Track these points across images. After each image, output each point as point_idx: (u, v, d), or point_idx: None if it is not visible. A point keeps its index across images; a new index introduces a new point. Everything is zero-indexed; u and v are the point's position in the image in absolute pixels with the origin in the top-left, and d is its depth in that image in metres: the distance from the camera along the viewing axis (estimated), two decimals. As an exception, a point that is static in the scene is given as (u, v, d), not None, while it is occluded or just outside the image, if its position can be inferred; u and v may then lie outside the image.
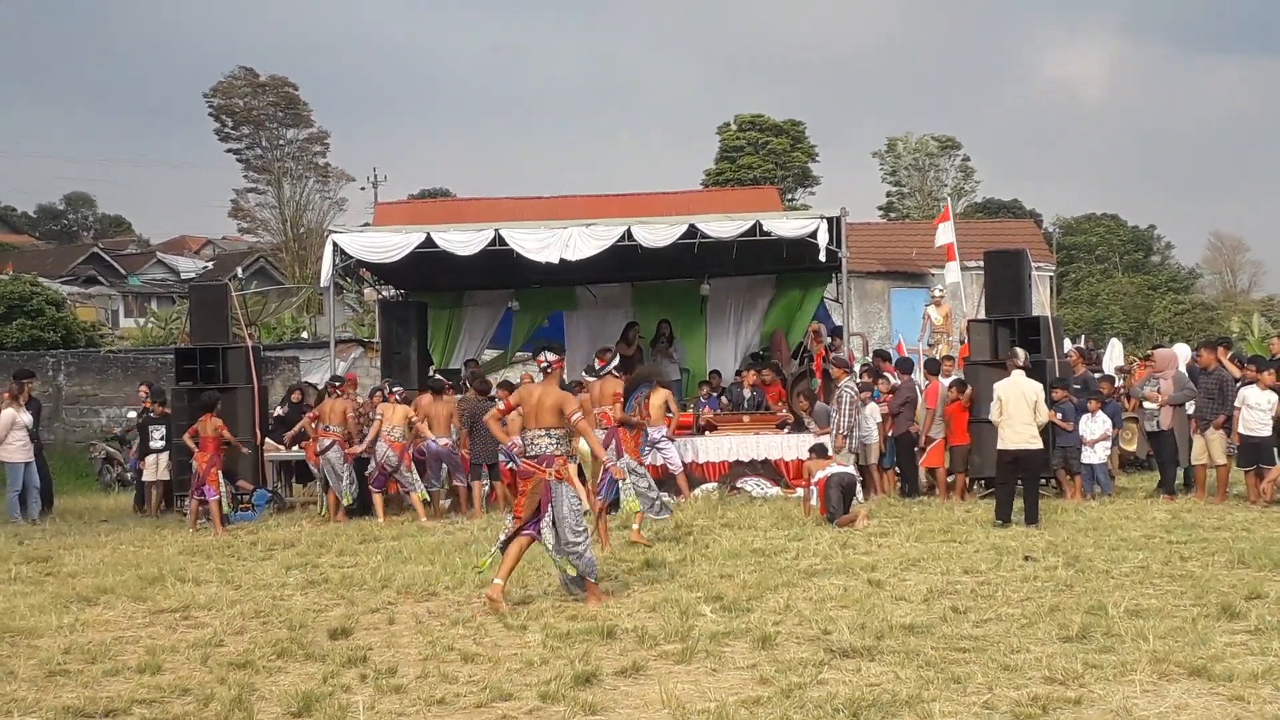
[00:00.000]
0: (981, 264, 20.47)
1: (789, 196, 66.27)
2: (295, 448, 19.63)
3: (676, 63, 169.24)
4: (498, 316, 25.07)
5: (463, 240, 20.11)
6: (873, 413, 18.74)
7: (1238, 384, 17.01)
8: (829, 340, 21.70)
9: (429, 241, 20.00)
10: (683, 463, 18.28)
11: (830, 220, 19.69)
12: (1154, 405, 18.01)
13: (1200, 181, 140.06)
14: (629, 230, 19.83)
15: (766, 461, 19.27)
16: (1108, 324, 59.56)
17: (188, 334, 21.62)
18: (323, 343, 32.20)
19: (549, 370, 11.33)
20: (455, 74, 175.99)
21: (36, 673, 8.75)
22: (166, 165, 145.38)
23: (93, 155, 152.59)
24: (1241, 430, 16.67)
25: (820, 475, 15.77)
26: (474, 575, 11.86)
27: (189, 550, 14.98)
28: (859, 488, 16.81)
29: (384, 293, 25.25)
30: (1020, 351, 16.03)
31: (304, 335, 44.53)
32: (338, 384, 18.66)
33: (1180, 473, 18.15)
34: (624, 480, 14.08)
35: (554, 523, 10.78)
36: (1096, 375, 20.16)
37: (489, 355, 26.16)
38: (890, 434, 18.82)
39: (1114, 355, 27.13)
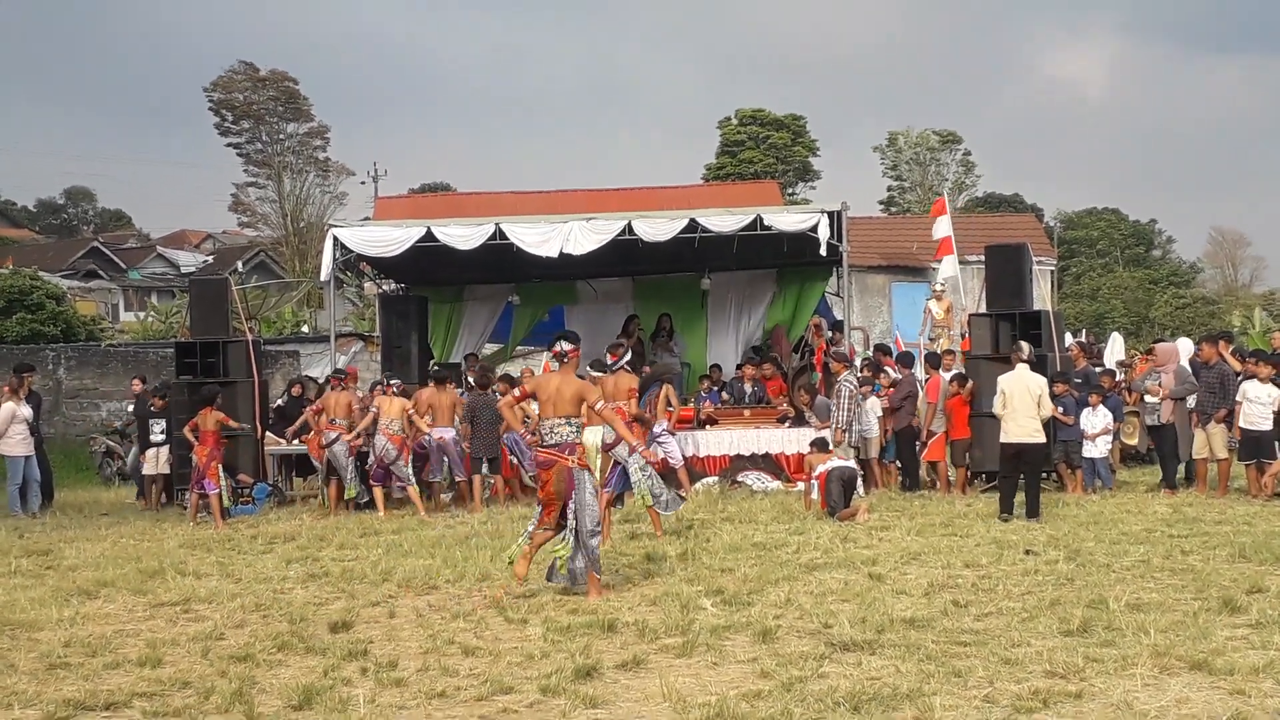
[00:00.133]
0: (983, 258, 20.47)
1: (790, 191, 66.25)
2: (296, 441, 19.63)
3: (677, 61, 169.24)
4: (498, 311, 25.05)
5: (463, 234, 20.10)
6: (873, 407, 18.73)
7: (1239, 378, 17.01)
8: (830, 334, 21.69)
9: (429, 236, 19.99)
10: (683, 457, 18.28)
11: (831, 214, 19.68)
12: (1155, 399, 18.00)
13: (1201, 179, 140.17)
14: (629, 224, 19.81)
15: (767, 455, 19.27)
16: (1109, 318, 59.56)
17: (188, 328, 21.64)
18: (323, 337, 32.16)
19: (565, 359, 11.32)
20: (456, 70, 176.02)
21: (37, 666, 8.75)
22: (166, 160, 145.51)
23: (93, 149, 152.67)
24: (1242, 424, 16.67)
25: (821, 469, 15.77)
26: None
27: (189, 544, 14.97)
28: (860, 482, 16.80)
29: (384, 287, 25.22)
30: (1025, 345, 16.02)
31: (304, 329, 44.51)
32: (340, 376, 18.65)
33: (1181, 467, 18.14)
34: (643, 471, 14.17)
35: (575, 510, 10.83)
36: (1098, 369, 20.15)
37: (489, 349, 26.17)
38: (891, 428, 18.81)
39: (1115, 349, 27.12)
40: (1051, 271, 44.65)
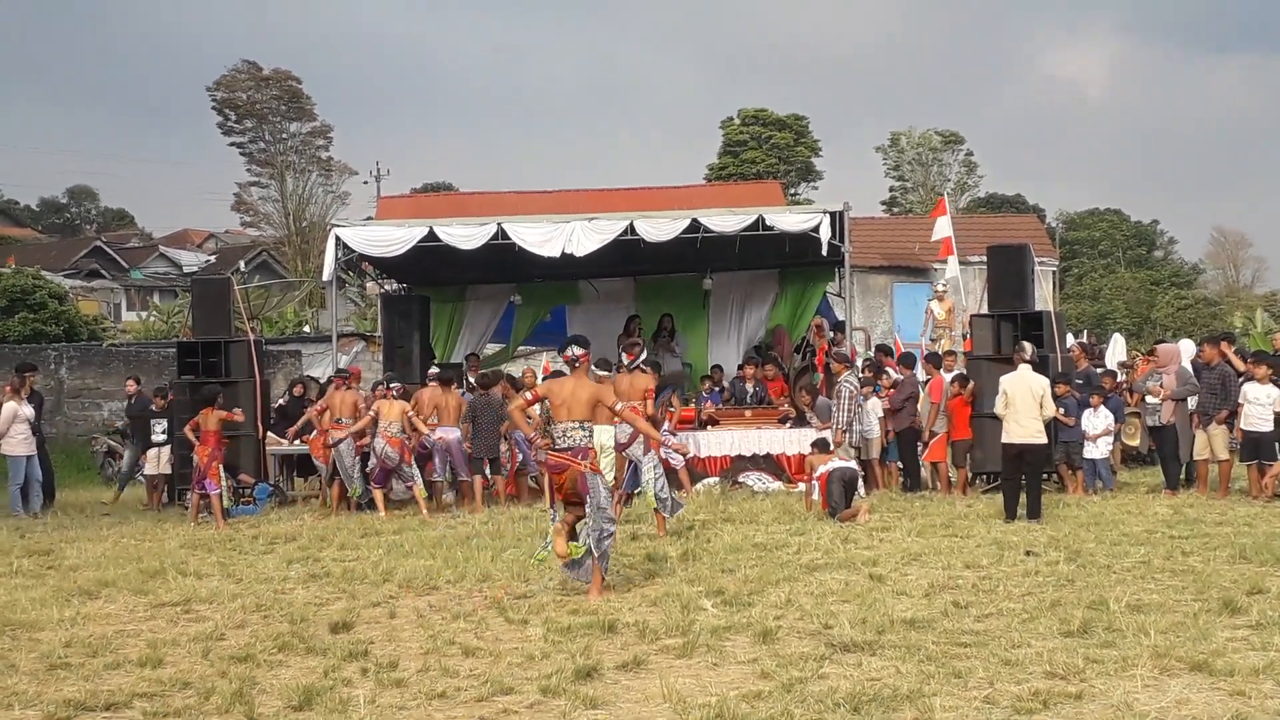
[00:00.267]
0: (985, 259, 20.46)
1: (792, 191, 66.19)
2: (297, 441, 19.64)
3: (679, 61, 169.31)
4: (500, 310, 25.05)
5: (465, 234, 20.10)
6: (874, 407, 18.73)
7: (1240, 379, 17.01)
8: (831, 335, 21.70)
9: (431, 235, 19.99)
10: (684, 457, 18.27)
11: (833, 215, 19.67)
12: (1156, 400, 17.99)
13: (1202, 180, 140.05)
14: (632, 224, 19.81)
15: (768, 456, 19.28)
16: (1110, 319, 59.55)
17: (190, 327, 21.65)
18: (325, 336, 32.17)
19: (576, 364, 11.37)
20: (458, 70, 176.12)
21: (37, 666, 8.75)
22: (169, 159, 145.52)
23: (95, 149, 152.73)
24: (1243, 425, 16.69)
25: (822, 470, 15.77)
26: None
27: (190, 544, 14.97)
28: (860, 482, 16.80)
29: (386, 286, 25.22)
30: (1027, 345, 16.03)
31: (306, 329, 44.49)
32: (345, 376, 18.64)
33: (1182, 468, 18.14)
34: (654, 471, 14.28)
35: (590, 514, 10.87)
36: (1099, 370, 20.15)
37: (491, 349, 26.16)
38: (892, 429, 18.79)
39: (1116, 350, 27.10)
40: (1053, 272, 44.55)
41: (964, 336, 22.04)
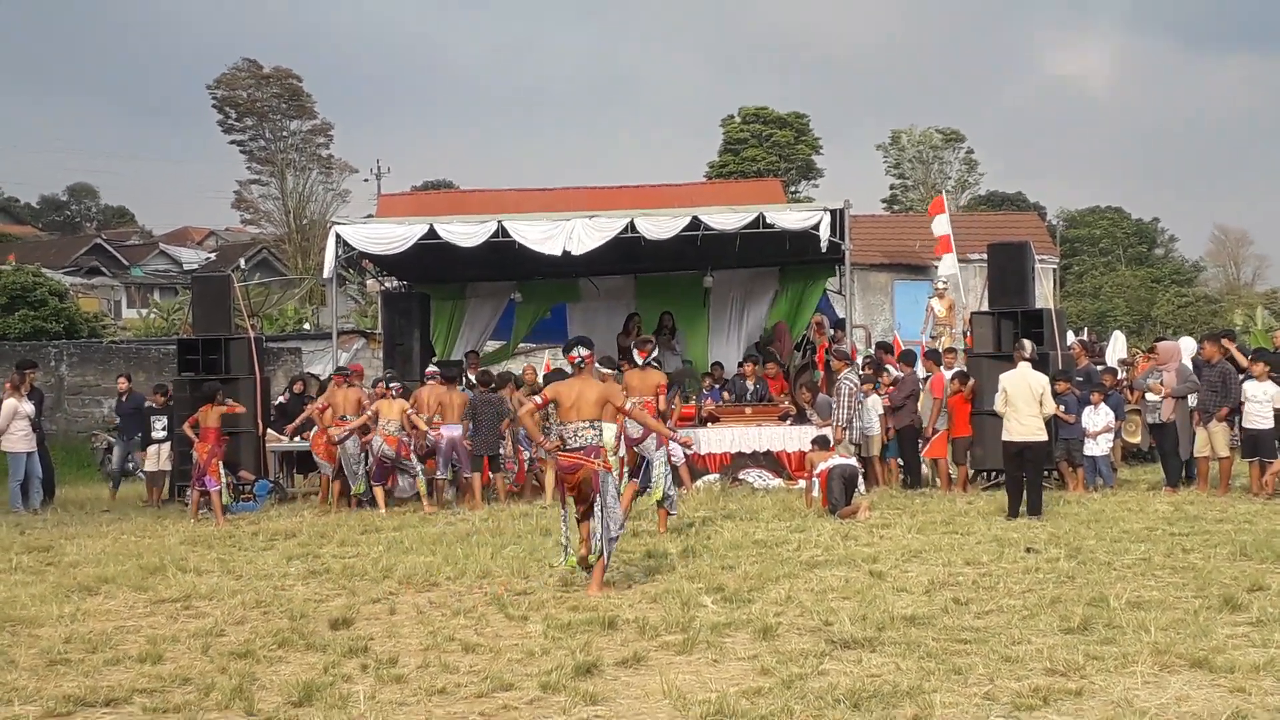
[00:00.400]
0: (985, 256, 20.46)
1: (792, 189, 66.20)
2: (297, 438, 19.64)
3: (679, 59, 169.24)
4: (500, 308, 25.07)
5: (466, 232, 20.12)
6: (874, 405, 18.73)
7: (1242, 377, 17.01)
8: (832, 332, 21.70)
9: (432, 233, 20.01)
10: (685, 454, 18.26)
11: (833, 212, 19.69)
12: (1156, 397, 17.98)
13: (1203, 178, 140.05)
14: (632, 222, 19.84)
15: (769, 453, 19.29)
16: (1111, 316, 59.58)
17: (190, 325, 21.63)
18: (325, 334, 32.18)
19: (582, 365, 11.42)
20: (459, 67, 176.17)
21: (37, 662, 8.74)
22: (169, 157, 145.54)
23: (96, 146, 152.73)
24: (1244, 423, 16.71)
25: (822, 467, 15.77)
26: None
27: (190, 540, 14.98)
28: (861, 479, 16.80)
29: (386, 284, 25.24)
30: (1027, 343, 16.03)
31: (306, 326, 44.53)
32: (345, 374, 18.62)
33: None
34: (664, 468, 14.41)
35: (600, 513, 10.89)
36: (1099, 368, 20.15)
37: (491, 346, 26.17)
38: (893, 426, 18.78)
39: (1117, 348, 27.12)
40: (1054, 270, 44.55)
41: (964, 334, 22.04)
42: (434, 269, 23.64)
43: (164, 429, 20.10)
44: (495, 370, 22.60)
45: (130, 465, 21.78)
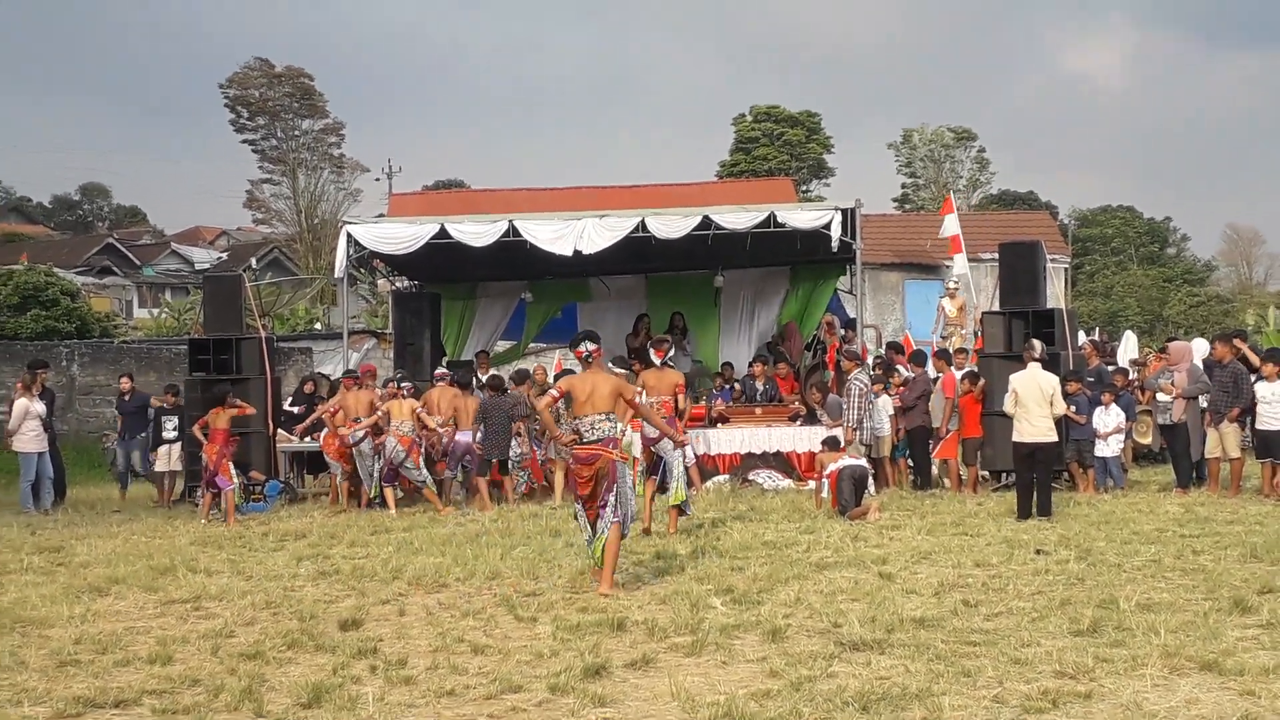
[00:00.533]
0: (996, 255, 20.43)
1: (804, 188, 66.19)
2: (308, 439, 19.67)
3: (690, 57, 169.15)
4: (511, 308, 25.09)
5: (477, 231, 20.13)
6: (885, 405, 18.71)
7: (1255, 378, 16.97)
8: (843, 332, 21.67)
9: (443, 233, 20.03)
10: (695, 455, 18.26)
11: (845, 212, 19.68)
12: (1168, 398, 17.94)
13: (1216, 177, 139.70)
14: (643, 222, 19.83)
15: (779, 454, 19.28)
16: (1122, 316, 59.46)
17: (201, 325, 21.69)
18: (336, 334, 32.17)
19: (590, 360, 11.53)
20: (470, 66, 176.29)
21: (47, 663, 8.76)
22: (181, 156, 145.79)
23: (107, 146, 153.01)
24: (1257, 424, 16.68)
25: (832, 468, 15.75)
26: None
27: (200, 541, 15.00)
28: (871, 480, 16.78)
29: (397, 284, 25.26)
30: (1037, 343, 15.99)
31: (317, 326, 44.59)
32: (354, 377, 18.63)
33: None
34: (681, 468, 14.49)
35: (617, 502, 11.00)
36: (1110, 368, 20.12)
37: (502, 346, 26.18)
38: (903, 427, 18.75)
39: (1128, 348, 27.04)
40: (1065, 269, 44.49)
41: (975, 334, 22.00)
42: (445, 269, 23.67)
43: (175, 429, 20.14)
44: (511, 368, 22.68)
45: (136, 465, 21.74)
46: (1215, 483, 17.14)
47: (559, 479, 17.89)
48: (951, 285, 26.02)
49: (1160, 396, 18.24)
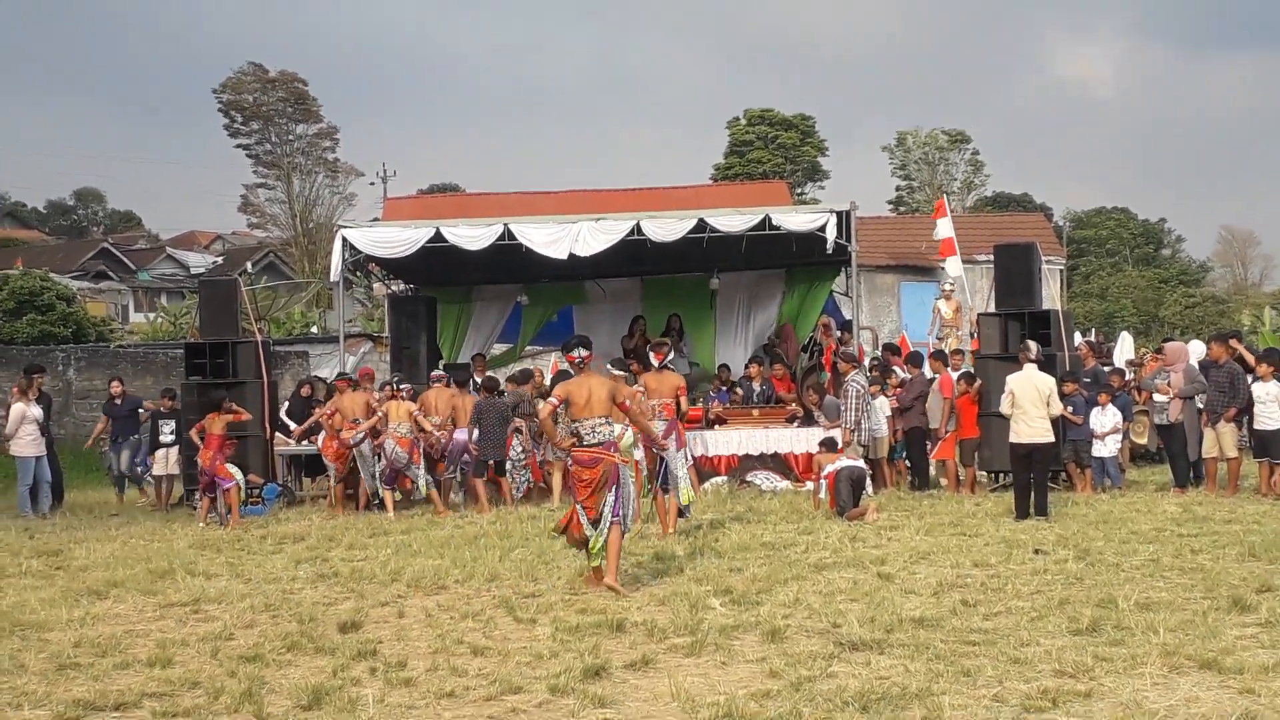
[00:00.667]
0: (992, 257, 20.45)
1: (798, 191, 66.23)
2: (305, 442, 19.66)
3: (684, 60, 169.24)
4: (506, 311, 25.08)
5: (472, 235, 20.13)
6: (882, 406, 18.72)
7: (1251, 378, 17.00)
8: (839, 334, 21.67)
9: (438, 236, 20.03)
10: (692, 456, 18.25)
11: (839, 214, 19.67)
12: (1164, 398, 17.96)
13: (1210, 177, 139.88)
14: (638, 225, 19.83)
15: (776, 455, 19.27)
16: (1118, 317, 59.50)
17: (197, 329, 21.68)
18: (332, 337, 32.23)
19: (582, 365, 11.59)
20: (464, 69, 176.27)
21: (47, 666, 8.76)
22: (176, 161, 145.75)
23: (102, 151, 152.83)
24: (1254, 424, 16.72)
25: (830, 469, 15.76)
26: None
27: (199, 544, 14.99)
28: (869, 481, 16.79)
29: (393, 287, 25.25)
30: (1032, 344, 16.01)
31: (313, 330, 44.55)
32: (348, 379, 18.62)
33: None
34: (683, 470, 14.60)
35: (620, 503, 11.09)
36: (1107, 369, 20.15)
37: (498, 349, 26.18)
38: (900, 428, 18.77)
39: (1124, 349, 27.08)
40: (1061, 271, 44.47)
41: (971, 336, 22.01)
42: (440, 272, 23.66)
43: (172, 433, 20.14)
44: (509, 370, 22.67)
45: (123, 466, 21.69)
46: (1213, 482, 17.16)
47: (557, 480, 17.89)
48: (947, 287, 26.04)
49: (1157, 397, 18.25)
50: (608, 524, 11.01)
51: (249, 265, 57.46)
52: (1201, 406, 17.43)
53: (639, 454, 13.60)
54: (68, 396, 31.01)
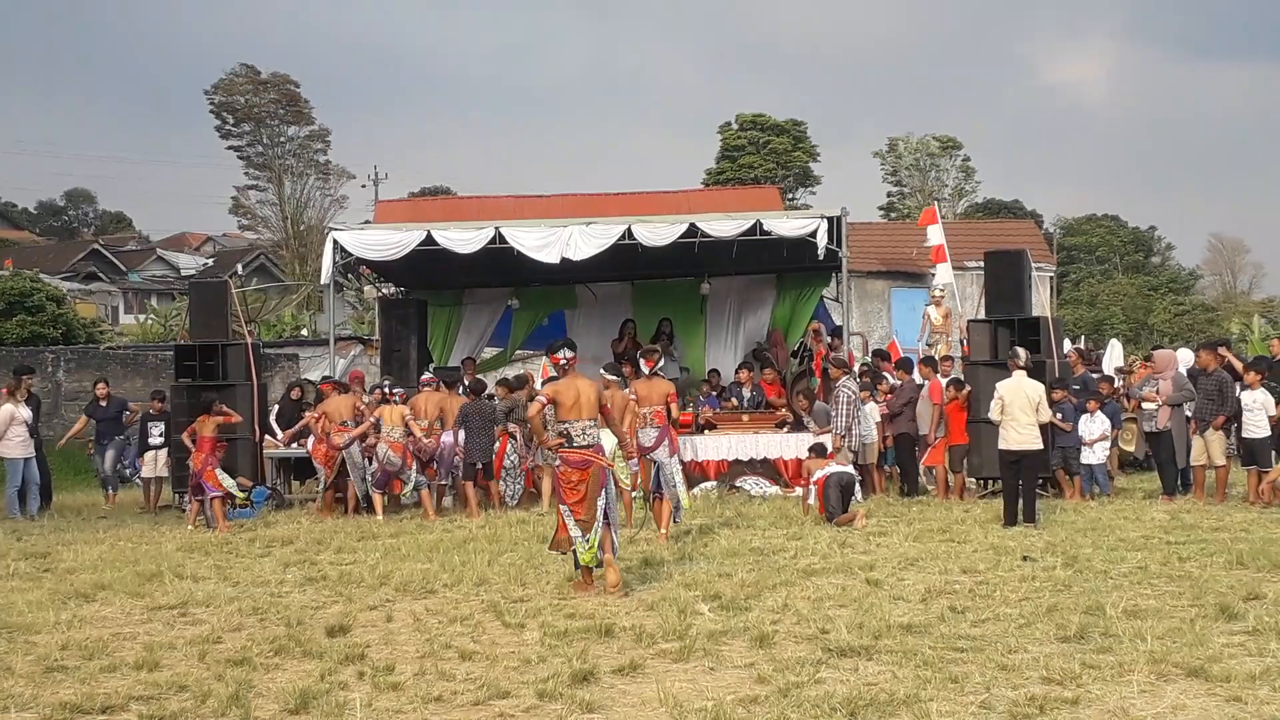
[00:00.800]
0: (982, 264, 20.46)
1: (790, 196, 66.27)
2: (294, 445, 19.63)
3: (676, 65, 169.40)
4: (497, 315, 25.05)
5: (463, 238, 20.11)
6: (872, 412, 18.73)
7: (1240, 386, 17.04)
8: (829, 340, 21.68)
9: (429, 239, 20.01)
10: (682, 461, 18.24)
11: (830, 220, 19.69)
12: (1153, 406, 17.99)
13: (1200, 185, 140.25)
14: (629, 229, 19.83)
15: (766, 460, 19.28)
16: (1108, 325, 59.57)
17: (187, 331, 21.62)
18: (322, 340, 32.20)
19: (567, 367, 11.66)
20: (457, 72, 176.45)
21: (34, 669, 8.74)
22: (167, 162, 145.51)
23: (93, 152, 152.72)
24: (1242, 432, 16.75)
25: (819, 474, 15.78)
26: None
27: (187, 547, 14.97)
28: (858, 487, 16.80)
29: (384, 290, 25.23)
30: (1021, 351, 16.02)
31: (304, 332, 44.58)
32: (333, 383, 18.59)
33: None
34: (677, 475, 14.54)
35: (607, 505, 11.17)
36: (1096, 376, 20.15)
37: (489, 353, 26.15)
38: (890, 434, 18.78)
39: (1114, 356, 27.11)
40: (1050, 278, 44.65)
41: (961, 342, 22.02)
42: (431, 275, 23.64)
43: (161, 435, 20.11)
44: (499, 375, 22.65)
45: (107, 467, 21.66)
46: (1201, 490, 17.18)
47: (546, 486, 17.86)
48: (937, 293, 26.05)
49: (1146, 404, 18.29)
50: (599, 527, 11.01)
51: (239, 267, 57.45)
52: (1190, 414, 17.47)
53: (635, 465, 13.67)
54: (57, 398, 30.98)
